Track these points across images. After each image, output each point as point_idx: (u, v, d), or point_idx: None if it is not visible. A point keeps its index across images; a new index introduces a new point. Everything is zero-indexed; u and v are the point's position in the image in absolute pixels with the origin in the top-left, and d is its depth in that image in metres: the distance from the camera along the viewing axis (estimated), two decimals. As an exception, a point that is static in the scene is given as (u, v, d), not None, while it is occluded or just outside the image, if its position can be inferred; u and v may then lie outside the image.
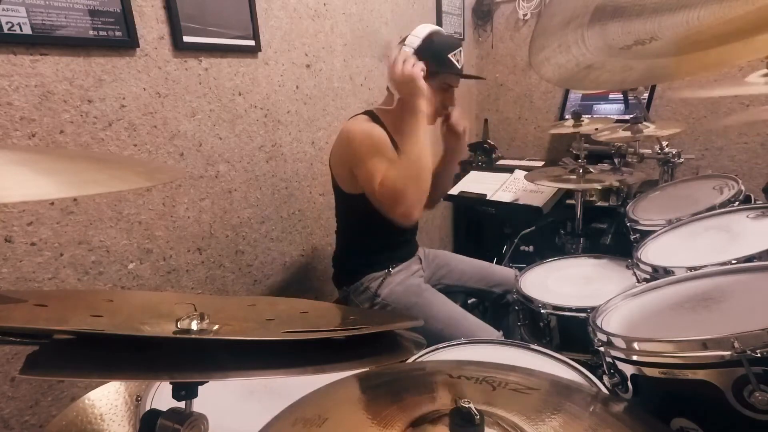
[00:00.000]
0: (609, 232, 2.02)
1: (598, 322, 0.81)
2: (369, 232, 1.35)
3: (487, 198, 2.23)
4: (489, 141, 2.95)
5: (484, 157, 2.87)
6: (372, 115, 1.40)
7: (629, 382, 0.69)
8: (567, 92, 2.81)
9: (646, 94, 2.28)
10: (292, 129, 1.80)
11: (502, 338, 1.29)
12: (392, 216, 1.20)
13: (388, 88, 1.37)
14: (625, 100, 2.18)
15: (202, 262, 1.53)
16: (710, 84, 2.24)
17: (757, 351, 0.54)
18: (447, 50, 1.31)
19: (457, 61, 1.33)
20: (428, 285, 1.50)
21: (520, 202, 2.18)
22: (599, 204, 2.35)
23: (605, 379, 0.74)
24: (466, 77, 1.41)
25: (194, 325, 0.50)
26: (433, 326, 1.30)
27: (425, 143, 1.21)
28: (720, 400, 0.58)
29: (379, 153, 1.25)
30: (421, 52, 1.30)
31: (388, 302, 1.41)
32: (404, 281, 1.46)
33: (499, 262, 2.27)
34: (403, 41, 1.34)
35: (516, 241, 2.27)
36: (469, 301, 1.78)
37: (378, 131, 1.30)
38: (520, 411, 0.55)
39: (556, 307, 1.20)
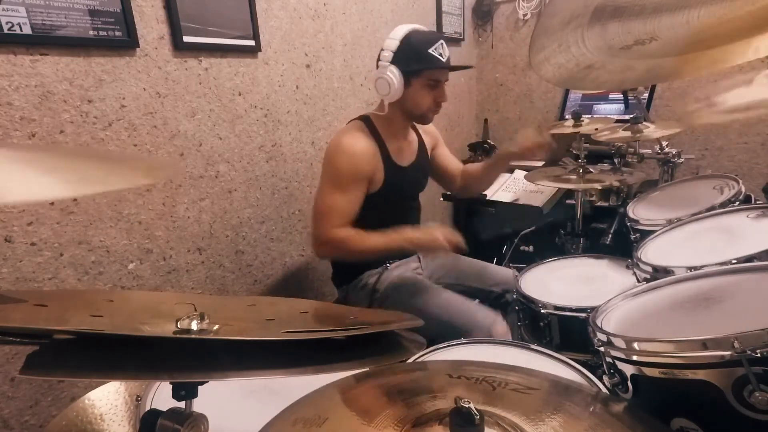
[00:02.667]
0: (609, 232, 2.02)
1: (598, 322, 0.81)
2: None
3: (487, 198, 2.23)
4: (489, 141, 2.94)
5: (484, 157, 2.87)
6: (367, 121, 1.41)
7: (629, 382, 0.69)
8: (567, 92, 2.81)
9: (646, 94, 2.27)
10: (292, 129, 1.80)
11: (499, 318, 1.31)
12: (312, 241, 1.37)
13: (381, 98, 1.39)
14: (625, 100, 2.19)
15: (202, 262, 1.53)
16: (712, 87, 2.24)
17: (757, 351, 0.54)
18: (426, 46, 1.29)
19: (440, 54, 1.31)
20: (424, 278, 1.51)
21: (520, 202, 2.18)
22: (599, 204, 2.35)
23: (605, 379, 0.74)
24: (450, 68, 1.38)
25: (194, 325, 0.50)
26: (431, 312, 1.30)
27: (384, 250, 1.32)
28: (720, 400, 0.58)
29: (339, 187, 1.32)
30: (399, 54, 1.30)
31: (387, 295, 1.42)
32: (401, 274, 1.47)
33: (499, 262, 2.27)
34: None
35: (516, 241, 2.27)
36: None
37: (356, 151, 1.33)
38: (520, 411, 0.55)
39: (556, 307, 1.20)
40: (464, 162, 2.88)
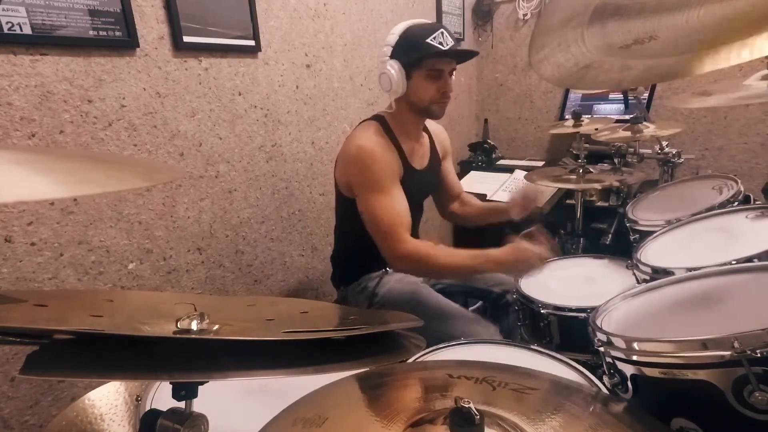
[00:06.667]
0: (609, 232, 2.02)
1: (598, 322, 0.81)
2: (368, 235, 1.35)
3: (487, 198, 2.23)
4: (489, 141, 2.95)
5: (484, 157, 2.87)
6: (382, 121, 1.38)
7: (629, 382, 0.69)
8: (567, 92, 2.81)
9: (646, 94, 2.28)
10: (292, 129, 1.80)
11: (497, 333, 1.30)
12: (386, 256, 1.27)
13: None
14: (625, 100, 2.19)
15: (202, 262, 1.53)
16: (709, 85, 2.24)
17: (757, 351, 0.54)
18: (424, 36, 1.27)
19: (440, 43, 1.27)
20: (425, 284, 1.50)
21: (521, 202, 2.17)
22: (599, 204, 2.35)
23: (605, 379, 0.74)
24: (450, 55, 1.31)
25: (194, 325, 0.50)
26: (428, 322, 1.29)
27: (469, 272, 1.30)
28: (720, 400, 0.58)
29: (381, 188, 1.26)
30: (398, 47, 1.29)
31: (386, 300, 1.41)
32: (401, 279, 1.46)
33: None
34: None
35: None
36: (470, 303, 1.78)
37: (381, 152, 1.30)
38: (520, 411, 0.55)
39: (556, 307, 1.20)
40: (463, 162, 2.91)
